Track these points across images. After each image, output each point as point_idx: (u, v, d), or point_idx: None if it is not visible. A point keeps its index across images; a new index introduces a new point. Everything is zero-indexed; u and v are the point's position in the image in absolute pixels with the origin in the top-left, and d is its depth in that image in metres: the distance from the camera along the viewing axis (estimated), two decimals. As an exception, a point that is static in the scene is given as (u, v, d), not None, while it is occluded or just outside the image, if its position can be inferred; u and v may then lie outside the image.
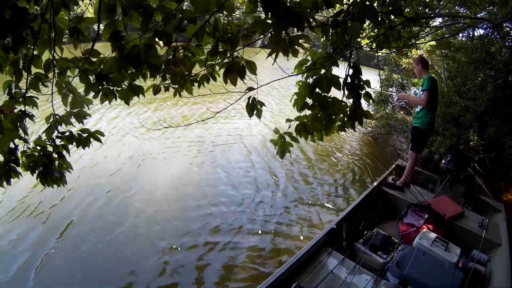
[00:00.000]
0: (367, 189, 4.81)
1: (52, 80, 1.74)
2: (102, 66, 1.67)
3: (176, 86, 1.90)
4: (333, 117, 1.81)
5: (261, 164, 6.96)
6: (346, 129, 1.89)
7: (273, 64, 1.50)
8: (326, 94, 1.75)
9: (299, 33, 1.43)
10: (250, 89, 1.82)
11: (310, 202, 5.61)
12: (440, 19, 7.86)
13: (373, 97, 1.89)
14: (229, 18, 1.63)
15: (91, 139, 1.96)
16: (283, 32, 1.39)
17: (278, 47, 1.42)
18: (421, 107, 4.68)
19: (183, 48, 1.61)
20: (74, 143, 1.93)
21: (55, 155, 1.90)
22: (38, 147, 1.85)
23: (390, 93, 9.44)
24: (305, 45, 1.83)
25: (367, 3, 1.56)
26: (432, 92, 4.53)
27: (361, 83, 1.78)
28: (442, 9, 6.47)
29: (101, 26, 1.61)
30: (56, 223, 4.35)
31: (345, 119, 1.84)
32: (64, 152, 1.93)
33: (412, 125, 5.00)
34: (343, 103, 1.81)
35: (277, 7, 1.32)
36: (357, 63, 1.79)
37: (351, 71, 1.77)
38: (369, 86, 1.82)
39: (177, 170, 6.22)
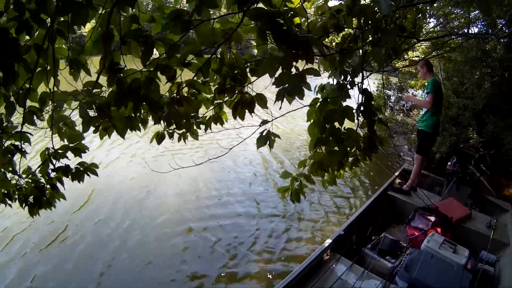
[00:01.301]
0: (373, 194, 4.73)
1: (52, 114, 1.60)
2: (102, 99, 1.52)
3: (181, 131, 1.77)
4: (348, 150, 1.70)
5: (261, 172, 6.87)
6: (359, 164, 1.78)
7: (280, 108, 1.39)
8: (340, 127, 1.64)
9: (308, 66, 1.33)
10: (264, 122, 1.72)
11: (316, 208, 5.50)
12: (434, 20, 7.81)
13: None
14: (235, 51, 1.52)
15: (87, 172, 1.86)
16: (293, 66, 1.30)
17: (288, 84, 1.30)
18: (425, 110, 4.60)
19: (188, 85, 1.49)
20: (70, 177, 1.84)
21: (48, 186, 1.82)
22: (31, 181, 1.77)
23: (389, 95, 9.35)
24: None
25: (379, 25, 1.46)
26: (436, 95, 4.46)
27: (373, 109, 1.68)
28: (437, 11, 6.39)
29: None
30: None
31: (357, 152, 1.73)
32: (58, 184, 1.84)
33: (417, 129, 4.92)
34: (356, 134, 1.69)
35: (288, 37, 1.23)
36: (367, 89, 1.68)
37: (361, 97, 1.66)
38: (380, 112, 1.72)
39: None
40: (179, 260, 4.14)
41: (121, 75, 1.39)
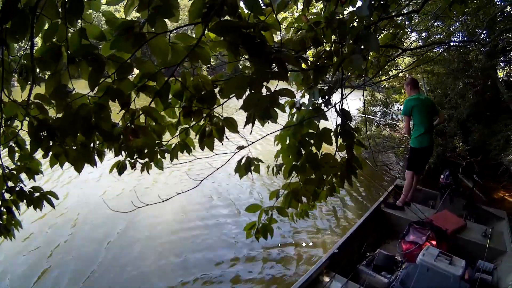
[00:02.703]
0: (367, 211, 4.63)
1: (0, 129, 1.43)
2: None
3: (144, 160, 1.53)
4: (325, 177, 1.48)
5: (248, 191, 6.57)
6: (334, 193, 1.55)
7: (250, 133, 1.19)
8: (317, 152, 1.44)
9: (282, 88, 1.13)
10: (241, 148, 1.49)
11: (309, 228, 5.27)
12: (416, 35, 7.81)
13: (358, 126, 1.56)
14: (201, 71, 1.30)
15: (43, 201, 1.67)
16: (263, 87, 1.08)
17: (257, 108, 1.10)
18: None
19: (144, 112, 1.25)
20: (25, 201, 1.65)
21: (3, 209, 1.64)
22: None
23: (374, 112, 9.31)
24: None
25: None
26: (412, 114, 4.50)
27: (351, 130, 1.47)
28: (417, 25, 6.37)
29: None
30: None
31: (333, 179, 1.51)
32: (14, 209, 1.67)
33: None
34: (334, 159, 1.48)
35: (262, 51, 1.04)
36: (345, 109, 1.49)
37: (339, 119, 1.46)
38: (357, 131, 1.53)
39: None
40: None
41: (69, 100, 1.16)
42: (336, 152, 1.50)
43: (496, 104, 7.82)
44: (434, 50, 6.98)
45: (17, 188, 1.64)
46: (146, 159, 1.48)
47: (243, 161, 1.45)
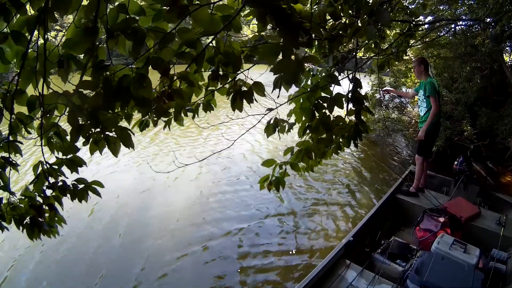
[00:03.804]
0: (381, 197, 4.62)
1: (41, 120, 1.35)
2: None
3: (167, 118, 1.62)
4: (333, 138, 1.63)
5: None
6: (340, 151, 1.72)
7: (278, 97, 1.31)
8: (330, 114, 1.58)
9: (308, 55, 1.25)
10: (270, 110, 1.63)
11: (324, 216, 5.30)
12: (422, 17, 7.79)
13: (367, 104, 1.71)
14: (231, 38, 1.40)
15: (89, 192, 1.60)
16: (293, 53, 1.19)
17: (286, 72, 1.21)
18: (425, 110, 4.44)
19: (180, 77, 1.34)
20: (69, 195, 1.58)
21: (45, 207, 1.57)
22: (25, 198, 1.53)
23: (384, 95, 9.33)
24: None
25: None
26: (438, 96, 4.34)
27: (361, 96, 1.61)
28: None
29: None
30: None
31: (341, 139, 1.67)
32: (57, 205, 1.58)
33: (418, 129, 4.73)
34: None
35: (289, 22, 1.12)
36: (357, 78, 1.62)
37: (351, 85, 1.59)
38: (367, 100, 1.68)
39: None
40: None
41: (108, 73, 1.22)
42: (346, 116, 1.65)
43: (504, 88, 7.79)
44: (441, 34, 6.97)
45: (59, 183, 1.56)
46: (169, 117, 1.59)
47: (271, 121, 1.59)
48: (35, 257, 4.11)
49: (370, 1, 1.58)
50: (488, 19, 6.40)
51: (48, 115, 1.37)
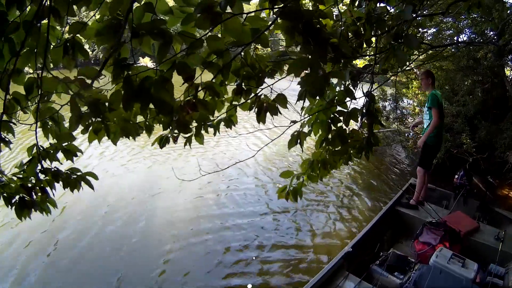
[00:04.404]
0: (381, 209, 4.61)
1: (38, 104, 1.33)
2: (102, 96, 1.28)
3: (188, 135, 1.57)
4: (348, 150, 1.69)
5: (264, 188, 6.62)
6: (350, 162, 1.80)
7: (302, 108, 1.31)
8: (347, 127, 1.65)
9: (334, 70, 1.25)
10: (294, 122, 1.66)
11: (322, 225, 5.30)
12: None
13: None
14: (260, 51, 1.40)
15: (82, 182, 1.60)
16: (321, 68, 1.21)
17: (313, 86, 1.21)
18: (428, 123, 4.44)
19: (206, 87, 1.31)
20: (61, 183, 1.57)
21: (37, 188, 1.55)
22: (15, 178, 1.50)
23: (385, 106, 9.38)
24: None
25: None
26: (440, 108, 4.35)
27: (374, 111, 1.68)
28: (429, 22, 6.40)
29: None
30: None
31: (351, 151, 1.73)
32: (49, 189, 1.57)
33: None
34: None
35: (319, 37, 1.13)
36: (371, 93, 1.70)
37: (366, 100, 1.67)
38: (379, 111, 1.72)
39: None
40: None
41: (130, 72, 1.16)
42: (360, 129, 1.73)
43: (504, 102, 7.86)
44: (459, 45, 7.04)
45: (53, 169, 1.54)
46: (190, 134, 1.55)
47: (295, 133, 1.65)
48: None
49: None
50: (492, 33, 6.47)
51: (46, 98, 1.33)
